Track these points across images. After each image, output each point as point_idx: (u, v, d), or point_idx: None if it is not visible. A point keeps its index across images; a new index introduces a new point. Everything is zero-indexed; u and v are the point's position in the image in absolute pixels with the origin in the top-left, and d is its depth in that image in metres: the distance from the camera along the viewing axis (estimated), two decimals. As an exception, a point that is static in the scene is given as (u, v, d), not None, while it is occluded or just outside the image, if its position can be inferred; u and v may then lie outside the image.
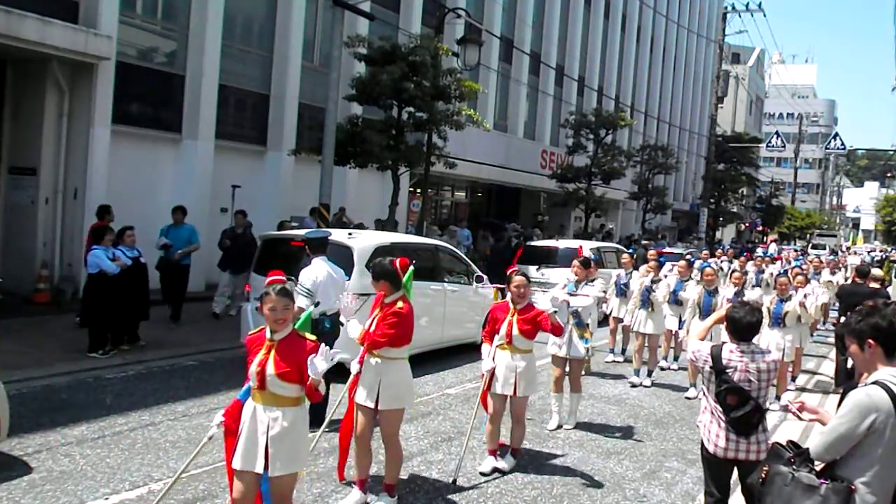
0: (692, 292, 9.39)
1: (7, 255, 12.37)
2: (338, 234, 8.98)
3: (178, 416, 6.86)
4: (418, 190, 18.84)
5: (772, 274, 13.57)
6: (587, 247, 14.78)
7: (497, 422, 5.95)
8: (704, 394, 4.26)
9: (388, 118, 15.22)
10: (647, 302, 9.64)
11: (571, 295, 7.28)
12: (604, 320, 11.32)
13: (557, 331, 5.91)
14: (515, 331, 5.83)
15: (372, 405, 5.00)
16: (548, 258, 14.80)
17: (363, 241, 9.05)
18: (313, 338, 4.03)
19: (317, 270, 6.75)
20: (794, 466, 3.24)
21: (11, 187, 12.62)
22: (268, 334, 3.98)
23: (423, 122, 15.49)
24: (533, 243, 17.06)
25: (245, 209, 14.72)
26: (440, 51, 15.64)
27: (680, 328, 9.82)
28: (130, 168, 13.52)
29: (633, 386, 9.40)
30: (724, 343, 4.23)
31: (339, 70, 14.00)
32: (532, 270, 14.28)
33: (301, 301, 6.60)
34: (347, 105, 15.96)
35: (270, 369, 3.89)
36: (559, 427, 7.28)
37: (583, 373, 7.65)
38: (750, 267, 15.55)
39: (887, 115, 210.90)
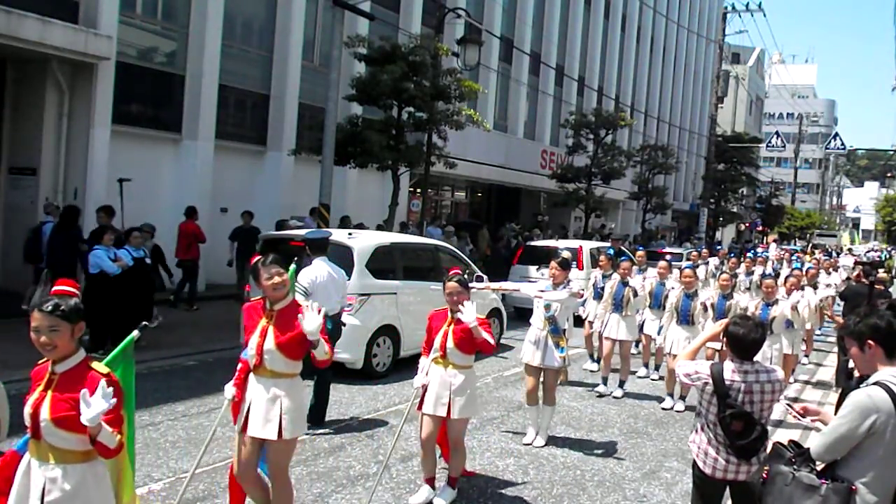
0: (671, 295, 8.83)
1: (7, 255, 12.37)
2: (338, 234, 8.99)
3: (178, 416, 6.87)
4: (418, 190, 18.85)
5: (761, 275, 12.84)
6: (587, 247, 14.77)
7: (430, 447, 5.22)
8: (701, 414, 3.93)
9: (388, 118, 15.23)
10: (619, 306, 8.98)
11: (542, 292, 6.80)
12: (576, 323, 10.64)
13: (486, 348, 5.09)
14: (450, 343, 5.10)
15: (273, 436, 4.06)
16: (548, 258, 14.77)
17: (363, 241, 9.05)
18: (105, 370, 3.00)
19: (317, 270, 6.76)
20: (795, 466, 3.24)
21: (11, 187, 12.62)
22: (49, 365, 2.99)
23: (423, 122, 15.50)
24: (533, 243, 17.05)
25: (246, 209, 14.76)
26: (440, 51, 15.65)
27: (659, 334, 9.13)
28: (130, 168, 13.48)
29: (600, 396, 8.75)
30: (724, 362, 3.88)
31: (339, 70, 14.01)
32: (532, 270, 14.29)
33: (296, 299, 6.60)
34: (347, 105, 15.97)
35: (45, 413, 2.91)
36: (531, 444, 6.75)
37: (559, 383, 6.93)
38: (739, 268, 14.71)
39: (887, 115, 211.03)
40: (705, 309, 8.54)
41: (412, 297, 9.43)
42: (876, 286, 10.09)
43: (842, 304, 13.48)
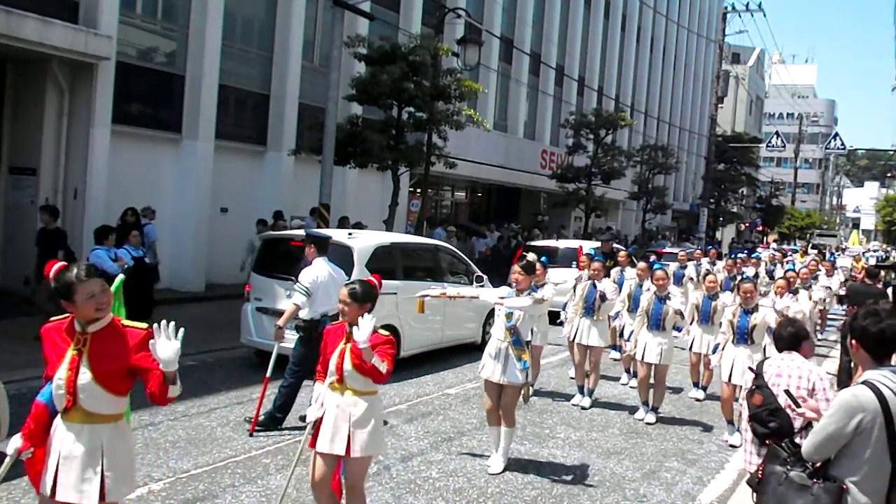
0: (642, 298, 8.26)
1: (7, 255, 12.38)
2: (338, 234, 8.99)
3: (178, 416, 6.86)
4: (418, 190, 18.85)
5: (740, 279, 11.36)
6: (587, 247, 14.76)
7: (324, 492, 4.26)
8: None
9: (388, 118, 15.23)
10: (590, 310, 8.39)
11: (503, 299, 6.07)
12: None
13: (375, 376, 4.15)
14: (348, 364, 4.17)
15: (92, 501, 3.12)
16: (548, 258, 14.78)
17: (363, 241, 9.05)
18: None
19: (318, 270, 6.76)
20: (788, 466, 3.27)
21: (11, 187, 12.62)
22: None
23: (423, 122, 15.50)
24: (533, 243, 17.06)
25: (246, 209, 14.78)
26: (440, 51, 15.65)
27: (629, 339, 8.58)
28: (130, 168, 13.53)
29: (581, 408, 8.20)
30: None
31: (339, 70, 14.01)
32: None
33: (298, 298, 6.61)
34: (347, 105, 15.96)
35: None
36: (504, 470, 6.01)
37: (521, 401, 6.19)
38: (724, 270, 13.79)
39: (887, 115, 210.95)
40: (681, 316, 8.12)
41: (412, 297, 9.42)
42: (878, 285, 10.06)
43: (840, 306, 13.41)
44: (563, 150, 26.87)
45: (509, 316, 5.96)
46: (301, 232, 9.20)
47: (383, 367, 4.10)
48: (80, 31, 11.85)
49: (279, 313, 6.98)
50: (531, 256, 6.79)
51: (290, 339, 7.02)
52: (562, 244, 16.01)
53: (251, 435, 6.41)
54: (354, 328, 4.10)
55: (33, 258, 12.14)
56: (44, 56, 11.53)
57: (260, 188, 16.18)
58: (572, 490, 5.75)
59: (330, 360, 4.27)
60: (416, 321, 9.39)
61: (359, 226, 15.17)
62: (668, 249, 22.42)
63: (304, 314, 6.68)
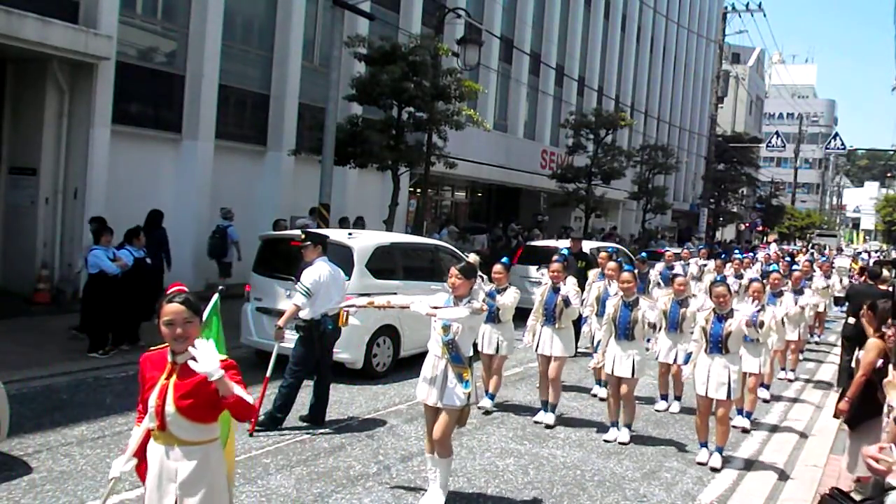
0: (608, 304, 7.39)
1: (7, 255, 12.37)
2: (338, 234, 8.99)
3: (178, 416, 6.85)
4: (418, 190, 18.85)
5: (711, 281, 9.35)
6: (587, 246, 14.75)
7: None
8: None
9: (388, 118, 15.23)
10: (551, 317, 7.57)
11: (437, 308, 5.29)
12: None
13: (243, 412, 3.19)
14: (170, 406, 3.18)
15: None
16: (548, 258, 14.77)
17: (363, 241, 9.05)
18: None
19: (319, 270, 6.77)
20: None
21: (11, 187, 12.62)
22: None
23: (423, 122, 15.50)
24: (533, 243, 17.05)
25: (246, 209, 14.78)
26: (440, 51, 15.65)
27: (597, 349, 7.78)
28: (130, 168, 13.52)
29: (546, 426, 7.42)
30: None
31: (339, 70, 14.01)
32: (532, 270, 14.27)
33: (298, 299, 6.62)
34: (347, 105, 15.97)
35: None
36: None
37: (457, 427, 5.37)
38: (714, 271, 13.10)
39: (887, 115, 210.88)
40: (653, 328, 7.63)
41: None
42: (880, 286, 9.93)
43: (839, 307, 13.28)
44: (563, 150, 26.86)
45: (446, 329, 5.17)
46: (298, 231, 9.21)
47: (251, 398, 3.15)
48: (80, 31, 11.85)
49: (279, 313, 6.99)
50: (472, 258, 5.96)
51: (291, 339, 7.02)
52: (562, 244, 15.99)
53: (251, 435, 6.41)
54: (191, 359, 3.08)
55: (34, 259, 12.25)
56: (44, 56, 11.53)
57: (260, 188, 16.18)
58: (572, 490, 5.75)
59: (148, 399, 3.25)
60: (416, 321, 9.36)
61: (359, 222, 15.19)
62: (666, 249, 22.24)
63: (304, 314, 6.69)
